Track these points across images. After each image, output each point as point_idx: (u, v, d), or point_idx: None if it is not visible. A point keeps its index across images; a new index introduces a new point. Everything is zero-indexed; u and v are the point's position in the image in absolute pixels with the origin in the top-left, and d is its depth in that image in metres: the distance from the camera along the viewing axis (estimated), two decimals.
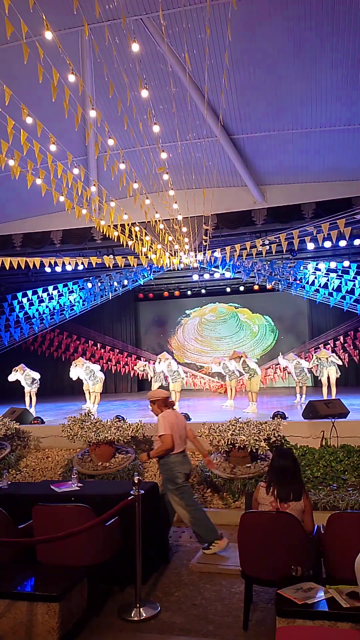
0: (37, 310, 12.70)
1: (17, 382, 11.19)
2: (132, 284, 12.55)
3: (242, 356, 10.02)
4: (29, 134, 4.92)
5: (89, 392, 11.00)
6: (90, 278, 12.70)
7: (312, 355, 11.06)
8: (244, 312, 15.95)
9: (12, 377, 11.12)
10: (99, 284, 12.61)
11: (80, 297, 12.94)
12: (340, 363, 10.78)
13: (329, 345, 14.16)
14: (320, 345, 13.13)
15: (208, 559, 4.79)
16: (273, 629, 2.89)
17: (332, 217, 8.06)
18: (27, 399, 11.22)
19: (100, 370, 11.12)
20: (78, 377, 10.96)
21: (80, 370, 10.78)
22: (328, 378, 10.40)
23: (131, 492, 3.96)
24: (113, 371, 15.85)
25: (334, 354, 10.84)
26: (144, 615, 3.79)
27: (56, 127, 5.86)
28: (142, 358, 15.79)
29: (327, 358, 10.45)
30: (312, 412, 7.66)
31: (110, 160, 6.10)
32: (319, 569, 3.57)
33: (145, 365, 11.76)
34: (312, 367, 10.75)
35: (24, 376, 11.12)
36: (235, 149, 8.52)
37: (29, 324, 12.87)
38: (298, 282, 11.87)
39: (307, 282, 11.77)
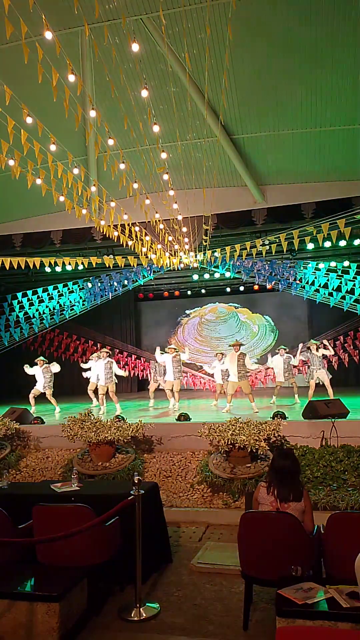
0: (37, 310, 12.69)
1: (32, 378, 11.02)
2: (132, 284, 12.55)
3: (240, 344, 10.02)
4: (29, 134, 4.93)
5: (104, 393, 10.75)
6: (90, 278, 12.70)
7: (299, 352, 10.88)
8: (244, 312, 15.94)
9: (30, 371, 10.97)
10: (99, 284, 12.61)
11: (80, 297, 12.94)
12: (332, 352, 10.64)
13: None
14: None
15: (208, 558, 4.79)
16: (273, 629, 2.89)
17: (332, 217, 8.05)
18: (32, 400, 10.88)
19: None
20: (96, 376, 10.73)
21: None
22: (320, 382, 10.28)
23: (131, 492, 3.96)
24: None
25: (322, 346, 10.62)
26: (144, 615, 3.79)
27: (56, 127, 5.85)
28: (142, 358, 15.79)
29: (316, 347, 10.31)
30: (312, 412, 7.66)
31: (110, 160, 6.10)
32: (319, 569, 3.57)
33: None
34: (304, 361, 10.68)
35: (43, 369, 10.84)
36: (235, 149, 8.51)
37: (29, 324, 12.86)
38: (298, 282, 11.87)
39: (307, 282, 11.76)
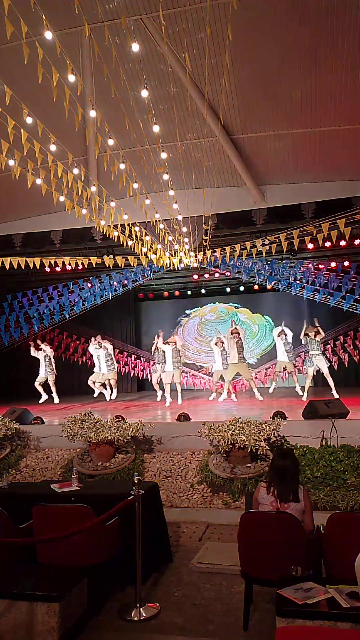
0: (37, 310, 12.69)
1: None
2: (132, 284, 12.55)
3: (239, 332, 10.11)
4: (29, 134, 4.93)
5: (104, 383, 10.90)
6: (90, 278, 12.70)
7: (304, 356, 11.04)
8: (244, 312, 15.94)
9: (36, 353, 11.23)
10: (99, 284, 12.60)
11: (80, 297, 12.93)
12: (323, 335, 10.69)
13: (328, 346, 14.16)
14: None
15: (208, 558, 4.79)
16: (273, 629, 2.89)
17: (332, 217, 8.05)
18: (43, 388, 11.14)
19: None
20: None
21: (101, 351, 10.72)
22: (319, 372, 10.29)
23: (131, 492, 3.96)
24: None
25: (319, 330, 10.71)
26: (144, 615, 3.79)
27: (56, 127, 5.85)
28: (142, 358, 15.78)
29: (314, 333, 10.35)
30: (312, 412, 7.66)
31: (110, 160, 6.10)
32: (319, 569, 3.57)
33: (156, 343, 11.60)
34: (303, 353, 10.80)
35: (44, 357, 11.05)
36: (235, 149, 8.51)
37: (29, 324, 12.87)
38: (298, 282, 11.87)
39: (307, 282, 11.76)
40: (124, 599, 4.04)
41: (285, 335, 11.16)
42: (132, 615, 3.78)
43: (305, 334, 10.55)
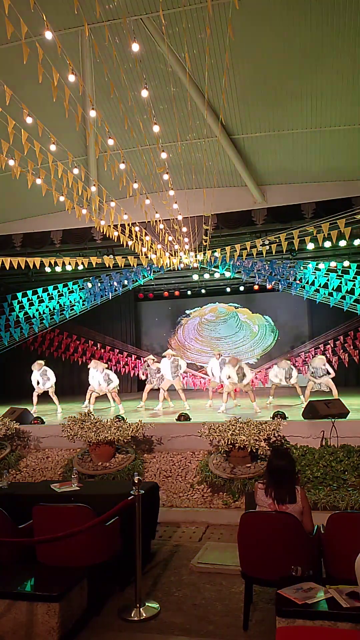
0: (37, 310, 12.70)
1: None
2: (132, 284, 12.55)
3: (239, 360, 10.05)
4: (29, 134, 4.93)
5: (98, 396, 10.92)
6: (90, 278, 12.70)
7: (308, 367, 10.86)
8: (244, 312, 15.94)
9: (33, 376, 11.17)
10: (99, 284, 12.60)
11: (80, 297, 12.94)
12: (333, 374, 10.37)
13: (328, 346, 14.15)
14: (312, 351, 12.65)
15: (208, 558, 4.79)
16: (273, 629, 2.89)
17: (332, 217, 8.05)
18: (35, 398, 11.09)
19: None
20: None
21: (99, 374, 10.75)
22: (327, 388, 10.16)
23: (131, 492, 3.96)
24: (113, 371, 15.82)
25: (328, 364, 10.51)
26: (144, 615, 3.79)
27: (56, 127, 5.85)
28: (142, 358, 15.77)
29: (322, 367, 10.24)
30: (312, 412, 7.67)
31: (110, 160, 6.09)
32: (319, 569, 3.57)
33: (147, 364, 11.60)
34: (307, 377, 10.58)
35: (41, 372, 11.06)
36: (235, 149, 8.51)
37: (29, 324, 12.87)
38: (298, 282, 11.87)
39: (307, 282, 11.76)
40: (124, 599, 4.05)
41: (292, 369, 10.94)
42: (132, 615, 3.78)
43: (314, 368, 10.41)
